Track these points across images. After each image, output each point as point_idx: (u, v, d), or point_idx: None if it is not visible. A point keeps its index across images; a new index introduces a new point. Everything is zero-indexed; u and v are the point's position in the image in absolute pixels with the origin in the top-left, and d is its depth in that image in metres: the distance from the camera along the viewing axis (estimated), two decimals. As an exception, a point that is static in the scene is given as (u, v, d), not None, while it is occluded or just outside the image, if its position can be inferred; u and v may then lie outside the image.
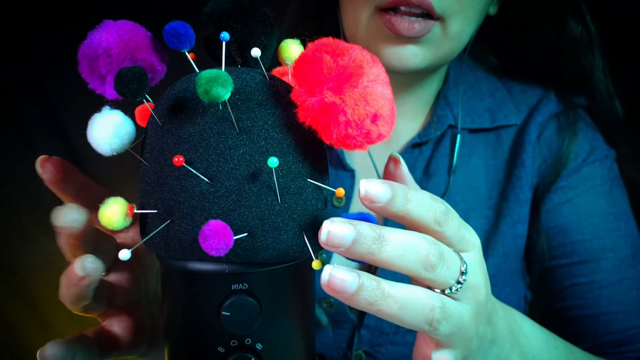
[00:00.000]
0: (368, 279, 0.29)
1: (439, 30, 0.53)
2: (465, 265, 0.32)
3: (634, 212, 0.64)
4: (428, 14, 0.52)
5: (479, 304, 0.33)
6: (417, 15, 0.52)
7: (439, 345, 0.33)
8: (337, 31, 0.59)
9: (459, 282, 0.32)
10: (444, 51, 0.55)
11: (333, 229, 0.28)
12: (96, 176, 0.41)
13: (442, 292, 0.32)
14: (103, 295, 0.38)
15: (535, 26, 0.65)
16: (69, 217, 0.33)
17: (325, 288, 0.29)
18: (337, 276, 0.29)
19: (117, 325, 0.40)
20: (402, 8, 0.51)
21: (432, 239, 0.31)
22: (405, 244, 0.30)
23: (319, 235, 0.29)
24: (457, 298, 0.32)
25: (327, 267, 0.29)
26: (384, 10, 0.52)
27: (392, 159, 0.37)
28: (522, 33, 0.66)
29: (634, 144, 0.66)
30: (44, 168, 0.36)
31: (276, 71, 0.37)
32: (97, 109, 0.30)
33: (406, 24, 0.51)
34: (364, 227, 0.29)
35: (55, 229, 0.34)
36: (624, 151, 0.65)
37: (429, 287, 0.32)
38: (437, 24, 0.52)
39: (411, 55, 0.54)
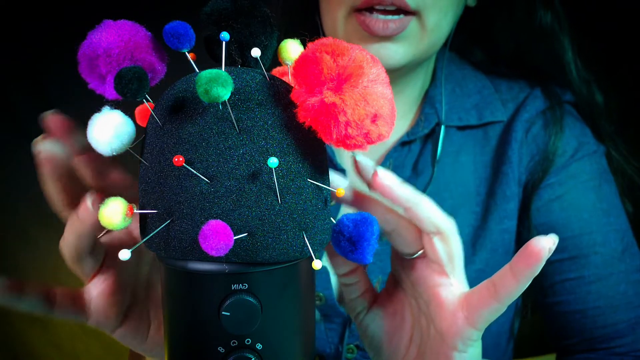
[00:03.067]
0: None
1: (416, 25, 0.54)
2: None
3: (623, 196, 0.64)
4: (403, 10, 0.52)
5: None
6: (392, 13, 0.52)
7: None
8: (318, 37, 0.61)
9: None
10: (424, 45, 0.56)
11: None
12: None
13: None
14: (99, 252, 0.37)
15: (508, 15, 0.66)
16: (47, 146, 0.34)
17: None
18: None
19: (97, 292, 0.38)
20: (377, 7, 0.52)
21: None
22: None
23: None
24: None
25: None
26: (359, 10, 0.53)
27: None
28: (497, 23, 0.67)
29: (630, 141, 0.67)
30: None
31: (276, 71, 0.37)
32: (97, 109, 0.30)
33: (380, 24, 0.52)
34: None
35: (37, 161, 0.34)
36: (610, 136, 0.65)
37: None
38: (414, 19, 0.53)
39: (391, 53, 0.54)
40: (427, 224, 0.36)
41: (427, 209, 0.36)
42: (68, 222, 0.35)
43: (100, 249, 0.38)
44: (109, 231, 0.39)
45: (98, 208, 0.31)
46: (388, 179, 0.35)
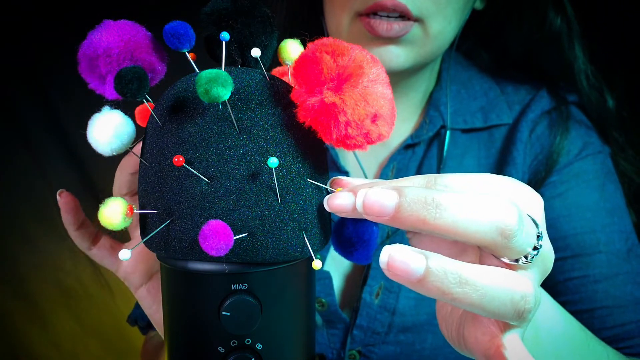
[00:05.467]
0: (438, 261, 0.25)
1: (419, 31, 0.54)
2: (538, 228, 0.28)
3: (630, 205, 0.63)
4: (406, 16, 0.52)
5: (545, 272, 0.30)
6: (395, 17, 0.53)
7: (509, 326, 0.28)
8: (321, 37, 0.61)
9: (535, 249, 0.28)
10: (427, 51, 0.56)
11: (371, 196, 0.26)
12: (96, 176, 0.41)
13: (515, 261, 0.28)
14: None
15: (519, 18, 0.66)
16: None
17: (386, 272, 0.25)
18: (398, 258, 0.24)
19: (132, 245, 0.42)
20: (380, 13, 0.53)
21: (511, 199, 0.27)
22: (472, 207, 0.26)
23: (355, 203, 0.27)
24: (527, 268, 0.28)
25: (385, 248, 0.25)
26: (363, 14, 0.54)
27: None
28: (507, 26, 0.67)
29: (632, 143, 0.66)
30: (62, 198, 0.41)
31: (276, 71, 0.37)
32: (97, 109, 0.30)
33: (384, 25, 0.52)
34: (411, 191, 0.26)
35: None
36: (617, 141, 0.65)
37: (495, 256, 0.28)
38: (416, 25, 0.53)
39: (393, 56, 0.55)
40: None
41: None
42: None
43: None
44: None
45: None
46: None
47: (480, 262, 0.29)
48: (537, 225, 0.28)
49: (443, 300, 0.26)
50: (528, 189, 0.30)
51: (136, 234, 0.44)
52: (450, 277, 0.25)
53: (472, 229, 0.26)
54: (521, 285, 0.27)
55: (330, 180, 0.32)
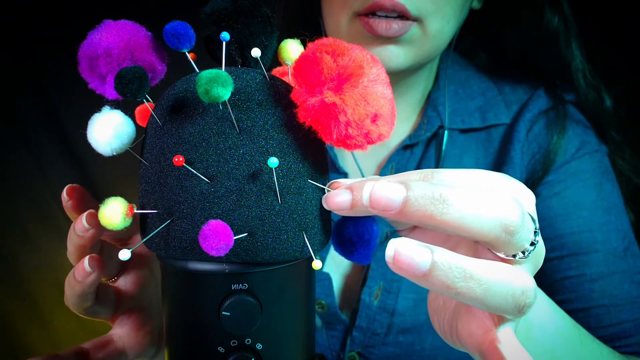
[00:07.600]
0: (444, 255, 0.25)
1: (418, 30, 0.54)
2: (535, 224, 0.29)
3: (627, 204, 0.63)
4: (404, 16, 0.52)
5: (537, 267, 0.30)
6: (394, 17, 0.53)
7: (503, 319, 0.29)
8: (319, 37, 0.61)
9: (532, 244, 0.28)
10: (425, 50, 0.56)
11: (377, 190, 0.25)
12: (96, 176, 0.41)
13: (512, 256, 0.28)
14: (108, 299, 0.39)
15: (516, 18, 0.66)
16: (91, 221, 0.34)
17: (391, 266, 0.25)
18: (403, 252, 0.25)
19: (125, 329, 0.40)
20: (379, 13, 0.53)
21: (512, 195, 0.27)
22: (478, 203, 0.26)
23: (362, 196, 0.26)
24: (522, 262, 0.28)
25: (391, 241, 0.25)
26: (361, 14, 0.54)
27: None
28: (504, 26, 0.67)
29: (629, 142, 0.66)
30: (70, 196, 0.36)
31: (276, 71, 0.37)
32: (97, 109, 0.30)
33: (384, 25, 0.52)
34: (418, 186, 0.26)
35: (72, 232, 0.35)
36: (615, 140, 0.65)
37: (494, 251, 0.28)
38: (415, 24, 0.53)
39: (392, 56, 0.55)
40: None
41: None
42: (66, 283, 0.36)
43: (109, 294, 0.39)
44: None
45: (95, 269, 0.34)
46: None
47: (475, 256, 0.30)
48: (534, 221, 0.29)
49: (446, 295, 0.27)
50: (522, 185, 0.30)
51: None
52: (455, 271, 0.25)
53: (477, 225, 0.26)
54: (521, 280, 0.27)
55: (329, 183, 0.32)
